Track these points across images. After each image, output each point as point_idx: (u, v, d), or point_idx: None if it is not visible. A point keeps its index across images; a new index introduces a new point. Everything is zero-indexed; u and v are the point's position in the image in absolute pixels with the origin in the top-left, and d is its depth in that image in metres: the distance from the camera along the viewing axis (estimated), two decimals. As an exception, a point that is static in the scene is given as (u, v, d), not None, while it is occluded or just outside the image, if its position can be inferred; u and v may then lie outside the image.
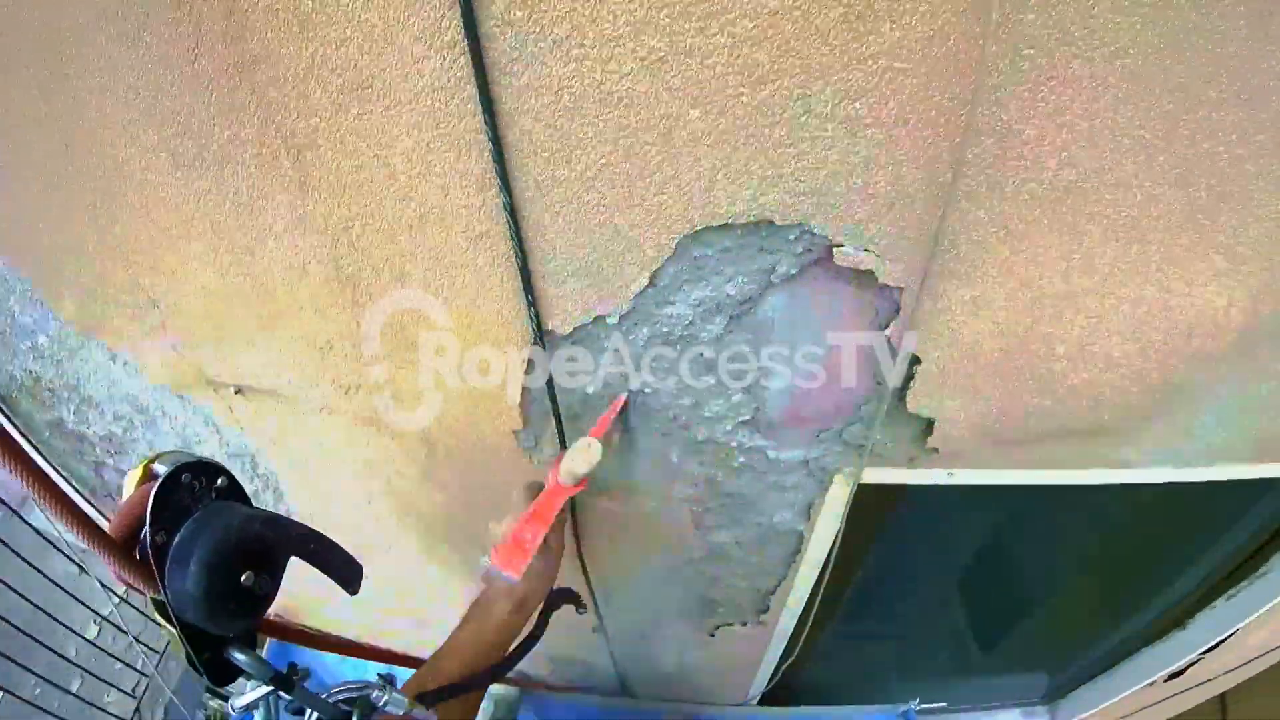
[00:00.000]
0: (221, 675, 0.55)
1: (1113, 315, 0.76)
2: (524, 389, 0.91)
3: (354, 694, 0.65)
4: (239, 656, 0.54)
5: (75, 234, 0.92)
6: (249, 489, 1.30)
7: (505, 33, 0.58)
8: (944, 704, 2.20)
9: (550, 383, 0.89)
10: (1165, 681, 2.15)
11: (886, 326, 0.76)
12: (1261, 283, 0.75)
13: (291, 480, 1.33)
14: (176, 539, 0.47)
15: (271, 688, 0.55)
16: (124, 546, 0.46)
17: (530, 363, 0.87)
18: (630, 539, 1.22)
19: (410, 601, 1.59)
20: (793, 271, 0.73)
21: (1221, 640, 1.83)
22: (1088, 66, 0.58)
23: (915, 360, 0.79)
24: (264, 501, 1.42)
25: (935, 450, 0.91)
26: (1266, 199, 0.67)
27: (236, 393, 1.11)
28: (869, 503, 1.02)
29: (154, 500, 0.46)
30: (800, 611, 1.35)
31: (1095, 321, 0.77)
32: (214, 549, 0.47)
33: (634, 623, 1.57)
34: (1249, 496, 1.40)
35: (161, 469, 0.48)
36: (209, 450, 1.26)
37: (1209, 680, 2.28)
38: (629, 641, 1.67)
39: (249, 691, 0.57)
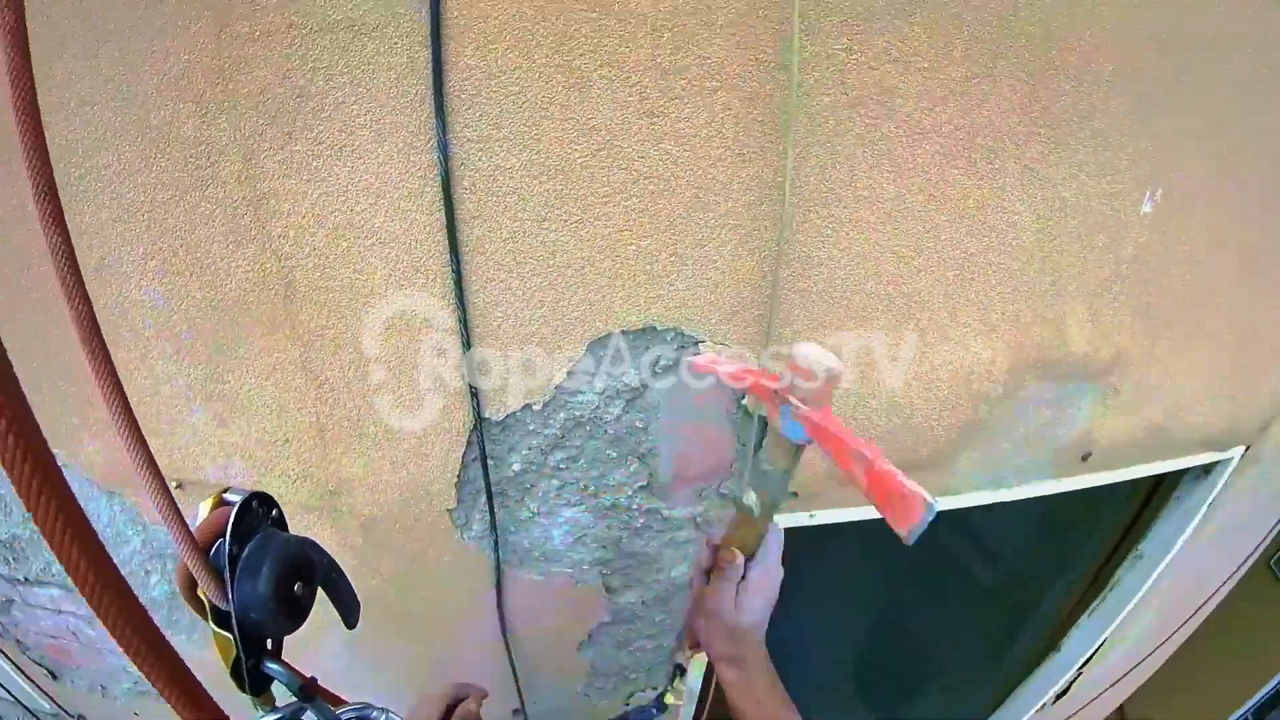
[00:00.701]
0: (258, 685, 0.67)
1: (904, 372, 1.08)
2: (460, 469, 1.09)
3: (357, 714, 0.77)
4: (274, 666, 0.67)
5: (39, 327, 1.01)
6: (163, 589, 1.34)
7: (471, 197, 0.84)
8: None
9: (485, 462, 1.07)
10: (1054, 703, 2.46)
11: (743, 398, 1.02)
12: (1014, 338, 1.12)
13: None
14: (248, 550, 0.61)
15: (298, 702, 0.68)
16: (204, 553, 0.60)
17: (469, 446, 1.05)
18: (550, 612, 1.37)
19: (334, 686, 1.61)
20: (670, 363, 0.98)
21: (1093, 652, 2.17)
22: (860, 212, 0.90)
23: (763, 422, 1.05)
24: (178, 605, 1.44)
25: (795, 494, 1.17)
26: (999, 283, 1.02)
27: (177, 487, 1.19)
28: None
29: (234, 518, 0.60)
30: (705, 668, 1.52)
31: (892, 379, 1.07)
32: (280, 559, 0.61)
33: (553, 703, 1.66)
34: (1076, 515, 1.76)
35: (234, 497, 0.63)
36: (131, 549, 1.30)
37: (1096, 697, 2.62)
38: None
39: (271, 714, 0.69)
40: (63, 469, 0.38)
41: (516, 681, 1.55)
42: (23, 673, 2.00)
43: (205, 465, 1.14)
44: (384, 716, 0.79)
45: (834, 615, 1.97)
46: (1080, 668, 2.18)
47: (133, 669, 1.65)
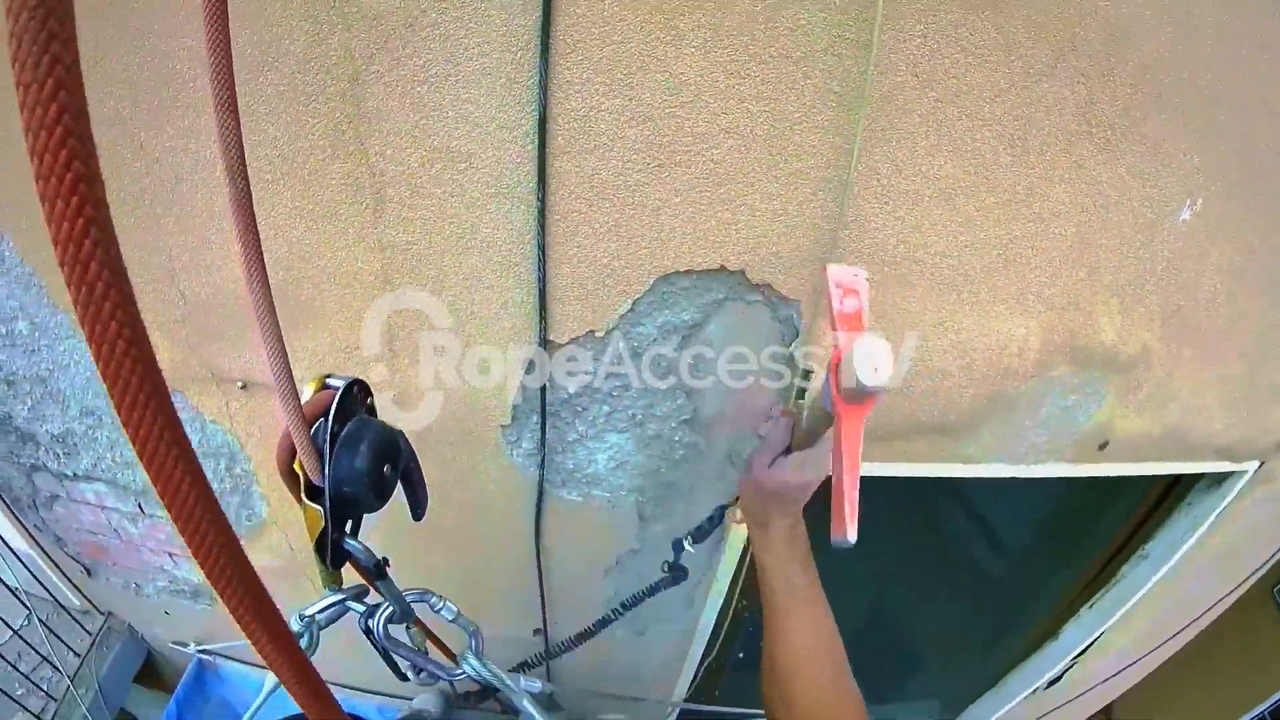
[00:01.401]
0: (338, 559, 0.77)
1: (942, 339, 1.20)
2: (520, 389, 1.23)
3: (419, 598, 0.91)
4: (354, 543, 0.78)
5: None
6: (216, 488, 1.49)
7: (563, 132, 0.96)
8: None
9: (543, 384, 1.21)
10: (1047, 689, 2.61)
11: (790, 345, 1.16)
12: (1048, 320, 1.24)
13: (269, 479, 1.53)
14: (347, 429, 0.71)
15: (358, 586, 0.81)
16: (308, 428, 0.69)
17: (531, 365, 1.19)
18: (582, 534, 1.52)
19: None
20: (730, 301, 1.11)
21: (1090, 643, 2.31)
22: (918, 186, 1.02)
23: (807, 372, 1.19)
24: (228, 505, 1.59)
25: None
26: (1039, 267, 1.15)
27: (242, 388, 1.34)
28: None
29: (337, 400, 0.71)
30: (721, 605, 1.68)
31: (931, 343, 1.20)
32: (377, 438, 0.72)
33: (573, 627, 1.82)
34: (1090, 504, 1.87)
35: (337, 382, 0.73)
36: None
37: (1088, 689, 2.77)
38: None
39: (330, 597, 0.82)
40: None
41: (543, 600, 1.71)
42: (58, 568, 2.08)
43: (247, 372, 1.26)
44: (442, 603, 0.91)
45: (836, 588, 2.12)
46: (1075, 657, 2.31)
47: (169, 568, 1.83)
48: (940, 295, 1.15)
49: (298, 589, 1.74)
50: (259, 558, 1.68)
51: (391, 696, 2.18)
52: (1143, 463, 1.60)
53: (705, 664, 1.91)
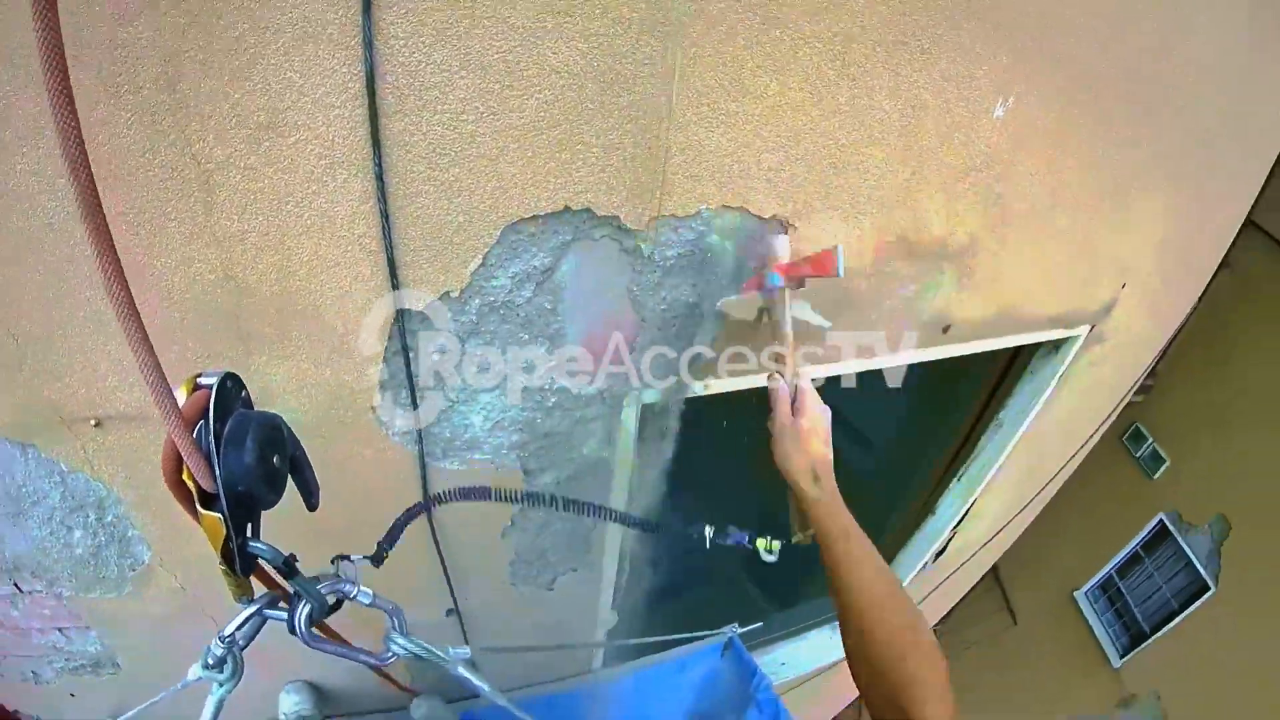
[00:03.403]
0: (247, 564, 0.79)
1: None
2: (383, 365, 1.26)
3: (332, 587, 0.91)
4: (259, 545, 0.79)
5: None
6: (87, 544, 1.41)
7: (393, 91, 0.98)
8: (759, 626, 2.81)
9: (406, 355, 1.25)
10: (935, 561, 3.00)
11: (638, 272, 1.27)
12: (880, 220, 1.44)
13: (145, 518, 1.46)
14: (229, 426, 0.72)
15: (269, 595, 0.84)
16: (191, 434, 0.70)
17: (390, 337, 1.23)
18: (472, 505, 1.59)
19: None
20: (577, 240, 1.19)
21: (964, 512, 2.68)
22: (747, 106, 1.14)
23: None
24: (105, 558, 1.51)
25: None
26: (867, 171, 1.31)
27: (96, 426, 1.25)
28: (653, 421, 1.52)
29: (214, 398, 0.72)
30: (619, 544, 1.82)
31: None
32: (261, 430, 0.73)
33: (483, 596, 1.92)
34: (944, 384, 2.15)
35: (208, 379, 0.73)
36: (50, 505, 1.36)
37: (971, 555, 3.21)
38: (479, 618, 2.00)
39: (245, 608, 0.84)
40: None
41: (448, 579, 1.77)
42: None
43: (124, 396, 1.21)
44: (356, 589, 0.95)
45: (723, 497, 2.33)
46: (954, 528, 2.69)
47: (63, 644, 1.73)
48: (777, 205, 1.29)
49: (200, 628, 1.71)
50: (151, 607, 1.65)
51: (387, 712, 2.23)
52: (984, 339, 1.87)
53: (616, 601, 2.07)
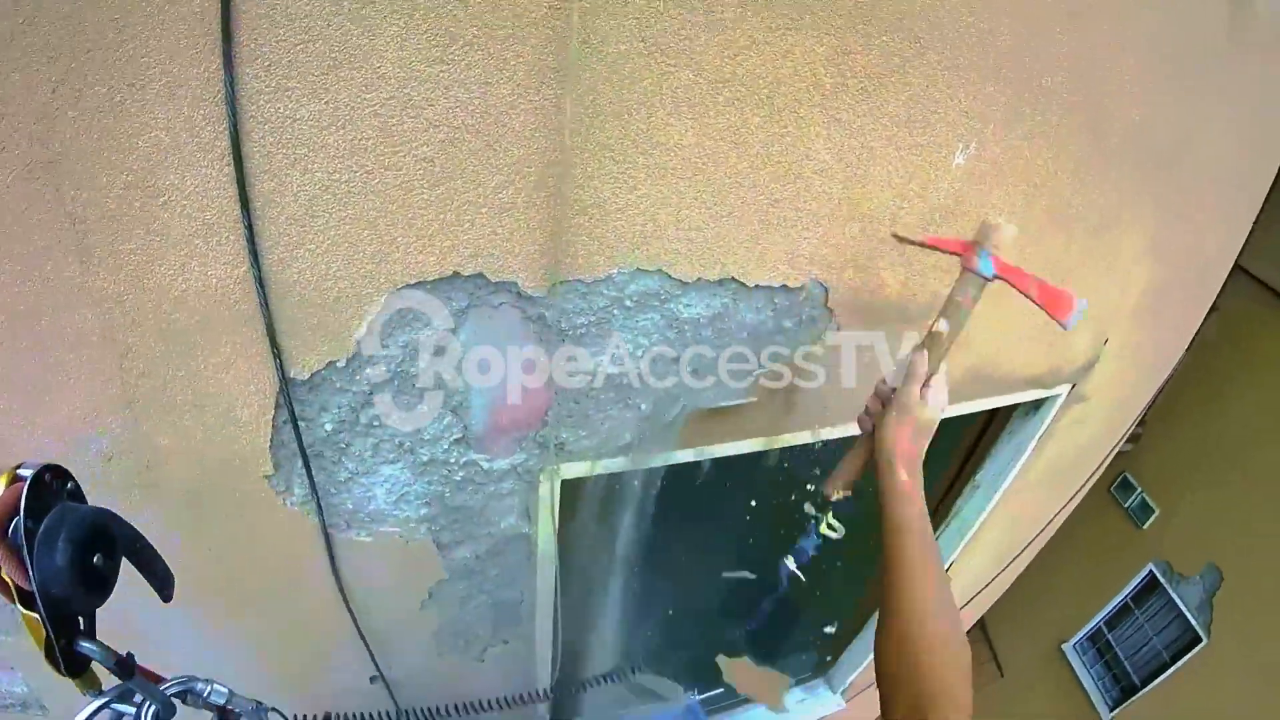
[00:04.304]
0: (74, 667, 0.70)
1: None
2: (272, 433, 1.13)
3: (181, 687, 0.82)
4: (87, 645, 0.70)
5: None
6: None
7: (259, 150, 0.87)
8: (721, 691, 2.63)
9: (296, 424, 1.11)
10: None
11: (544, 343, 1.12)
12: (826, 281, 1.29)
13: None
14: (43, 525, 0.63)
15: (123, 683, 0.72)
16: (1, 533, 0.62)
17: (277, 408, 1.09)
18: (384, 574, 1.44)
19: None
20: (474, 307, 1.05)
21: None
22: (660, 158, 1.01)
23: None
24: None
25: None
26: (806, 228, 1.14)
27: None
28: (579, 497, 1.36)
29: (27, 492, 0.63)
30: (551, 614, 1.66)
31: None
32: (76, 530, 0.65)
33: (412, 663, 1.75)
34: None
35: (26, 472, 0.64)
36: None
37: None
38: (409, 685, 1.84)
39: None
40: None
41: (367, 646, 1.62)
42: None
43: (6, 456, 1.11)
44: (209, 687, 0.85)
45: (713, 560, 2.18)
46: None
47: None
48: (703, 268, 1.14)
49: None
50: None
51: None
52: (954, 404, 1.71)
53: (555, 676, 1.90)
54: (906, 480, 1.00)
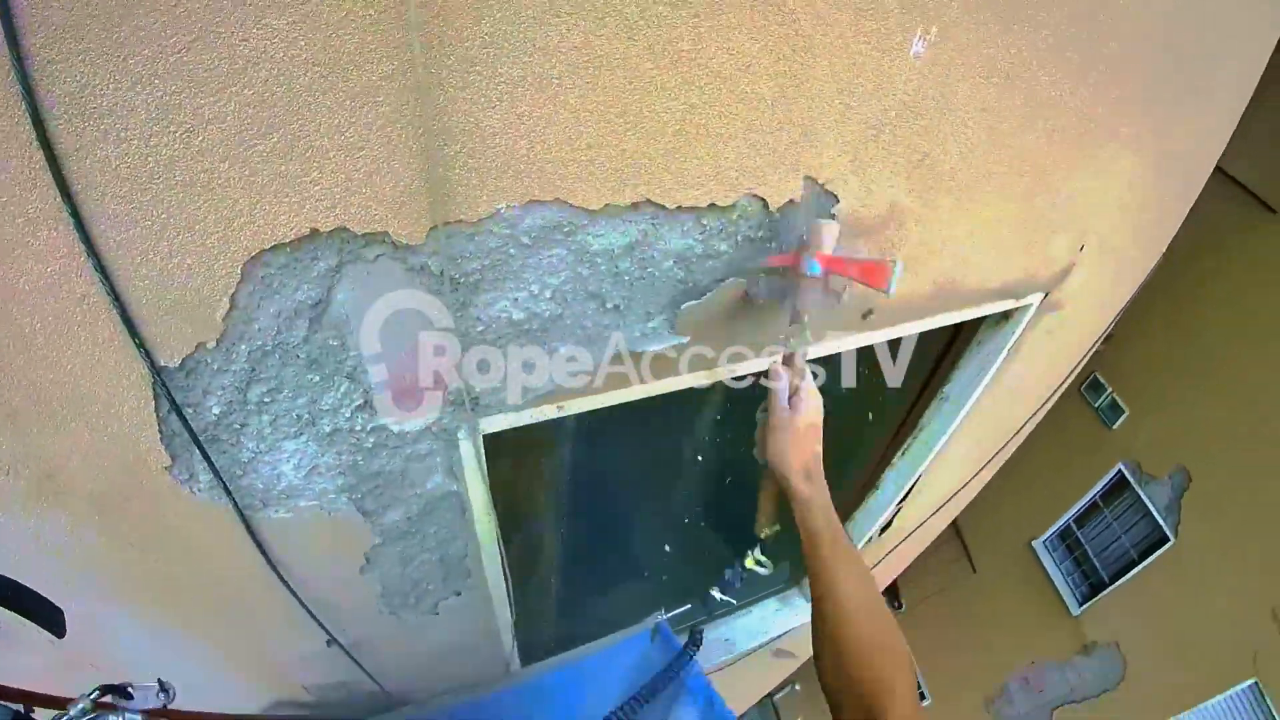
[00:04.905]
0: None
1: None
2: (159, 424, 1.00)
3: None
4: None
5: None
6: None
7: (66, 128, 0.71)
8: (689, 608, 2.60)
9: (180, 412, 0.98)
10: (881, 534, 2.79)
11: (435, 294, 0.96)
12: (763, 194, 1.13)
13: None
14: None
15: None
16: None
17: (157, 399, 0.96)
18: (313, 547, 1.33)
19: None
20: (347, 264, 0.89)
21: (909, 489, 2.43)
22: (542, 67, 0.84)
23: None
24: None
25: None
26: (734, 136, 0.99)
27: None
28: (510, 449, 1.24)
29: None
30: (500, 565, 1.57)
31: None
32: None
33: (364, 628, 1.68)
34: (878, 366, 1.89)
35: None
36: None
37: (920, 524, 3.01)
38: (369, 646, 1.78)
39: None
40: None
41: (312, 615, 1.54)
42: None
43: None
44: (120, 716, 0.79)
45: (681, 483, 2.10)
46: (900, 503, 2.45)
47: None
48: (610, 193, 0.97)
49: (84, 676, 1.52)
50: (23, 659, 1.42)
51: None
52: (916, 320, 1.57)
53: (516, 621, 1.84)
54: (802, 488, 1.03)
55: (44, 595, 0.75)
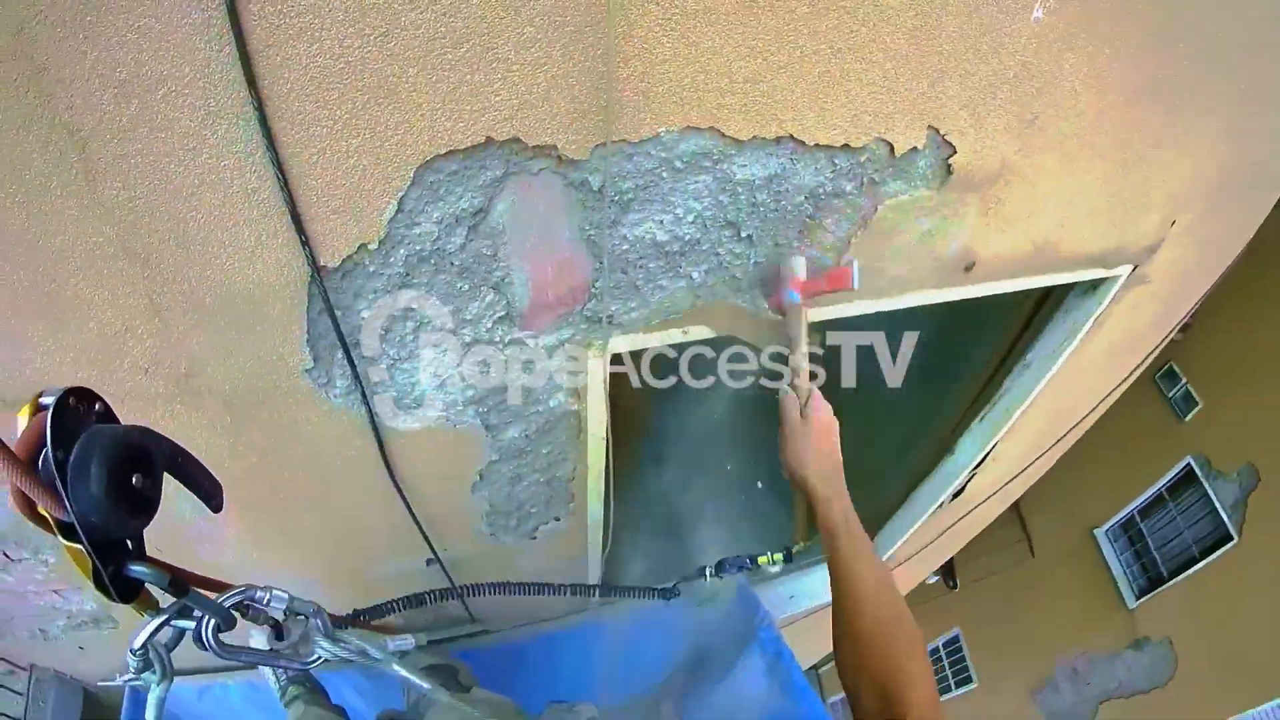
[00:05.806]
0: (126, 592, 0.68)
1: None
2: (308, 325, 1.08)
3: (240, 597, 0.81)
4: (138, 568, 0.68)
5: None
6: None
7: (261, 24, 0.77)
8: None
9: (332, 313, 1.06)
10: (953, 500, 2.81)
11: (591, 209, 1.04)
12: (891, 141, 1.17)
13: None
14: (74, 453, 0.59)
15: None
16: (30, 468, 0.59)
17: (310, 299, 1.04)
18: (434, 460, 1.43)
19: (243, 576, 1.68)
20: (511, 175, 0.97)
21: (985, 456, 2.45)
22: (709, 2, 0.89)
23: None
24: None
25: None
26: (871, 82, 1.04)
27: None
28: (623, 382, 1.31)
29: (51, 421, 0.59)
30: (602, 493, 1.65)
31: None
32: (109, 453, 0.60)
33: (463, 548, 1.79)
34: (969, 322, 1.90)
35: (48, 399, 0.61)
36: None
37: (990, 495, 3.00)
38: (464, 567, 1.88)
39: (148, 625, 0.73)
40: None
41: (422, 531, 1.64)
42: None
43: (42, 380, 1.05)
44: (269, 595, 0.84)
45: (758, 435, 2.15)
46: (974, 470, 2.46)
47: (60, 605, 1.71)
48: (759, 125, 1.03)
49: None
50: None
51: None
52: (1013, 279, 1.59)
53: (605, 552, 1.93)
54: (820, 488, 1.10)
55: (209, 471, 0.77)
